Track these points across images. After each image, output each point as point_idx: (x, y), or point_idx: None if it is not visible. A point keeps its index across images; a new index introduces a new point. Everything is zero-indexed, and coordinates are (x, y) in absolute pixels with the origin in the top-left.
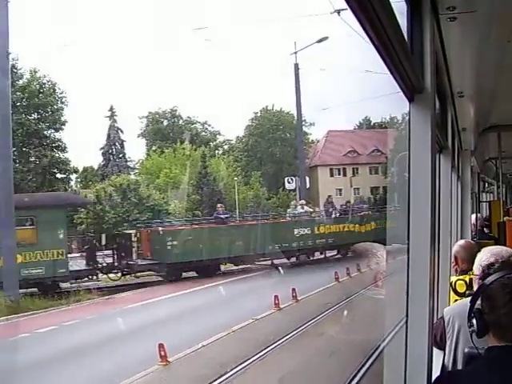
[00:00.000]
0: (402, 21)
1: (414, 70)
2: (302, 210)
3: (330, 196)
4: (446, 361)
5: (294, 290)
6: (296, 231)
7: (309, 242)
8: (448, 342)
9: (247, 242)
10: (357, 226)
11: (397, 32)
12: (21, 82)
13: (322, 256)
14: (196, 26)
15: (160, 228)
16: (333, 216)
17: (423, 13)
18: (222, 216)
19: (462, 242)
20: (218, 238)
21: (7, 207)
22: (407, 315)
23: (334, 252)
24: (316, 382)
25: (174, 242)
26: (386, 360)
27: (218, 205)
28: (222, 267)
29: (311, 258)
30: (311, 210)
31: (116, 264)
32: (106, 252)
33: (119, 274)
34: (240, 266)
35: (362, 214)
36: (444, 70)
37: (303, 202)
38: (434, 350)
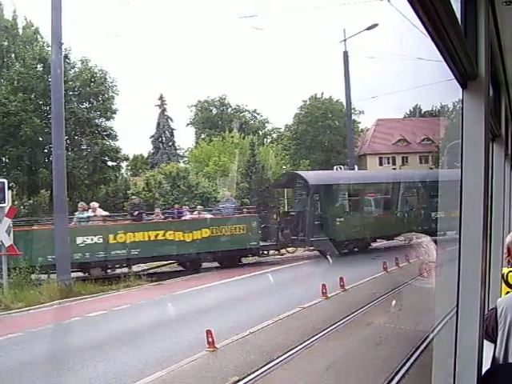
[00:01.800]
0: (456, 5)
1: (468, 55)
2: (90, 214)
3: (134, 196)
4: (496, 353)
5: (341, 278)
6: (80, 240)
7: (100, 253)
8: (499, 334)
9: None
10: (180, 233)
11: (450, 17)
12: (72, 71)
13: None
14: (244, 13)
15: None
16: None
17: None
18: None
19: None
20: None
21: (61, 194)
22: (458, 306)
23: None
24: (363, 370)
25: None
26: (435, 351)
27: None
28: None
29: (109, 272)
30: (106, 213)
31: None
32: None
33: None
34: None
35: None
36: (498, 56)
37: (95, 204)
38: (485, 342)
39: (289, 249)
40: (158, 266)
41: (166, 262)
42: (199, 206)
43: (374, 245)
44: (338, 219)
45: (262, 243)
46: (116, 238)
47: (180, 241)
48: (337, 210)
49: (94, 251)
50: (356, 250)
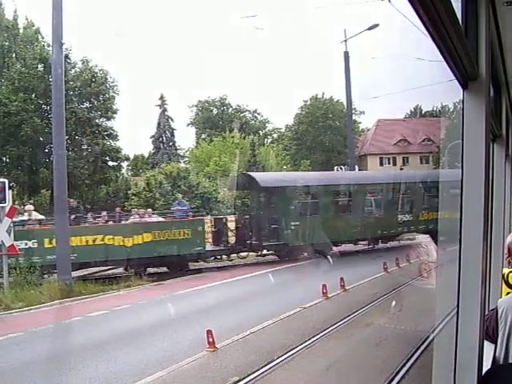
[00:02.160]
0: (457, 5)
1: (469, 56)
2: (25, 218)
3: (71, 200)
4: (497, 354)
5: (342, 279)
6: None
7: (34, 258)
8: (500, 335)
9: None
10: (120, 237)
11: (451, 17)
12: (73, 71)
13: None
14: (245, 13)
15: None
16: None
17: None
18: None
19: None
20: None
21: (62, 194)
22: (458, 306)
23: None
24: (363, 370)
25: None
26: (435, 351)
27: None
28: None
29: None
30: (42, 217)
31: None
32: None
33: None
34: None
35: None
36: (499, 57)
37: (30, 207)
38: (485, 342)
39: (241, 253)
40: (98, 272)
41: (105, 268)
42: (146, 209)
43: (336, 249)
44: (293, 223)
45: (210, 248)
46: (52, 243)
47: (120, 245)
48: (292, 214)
49: (28, 256)
50: (317, 255)
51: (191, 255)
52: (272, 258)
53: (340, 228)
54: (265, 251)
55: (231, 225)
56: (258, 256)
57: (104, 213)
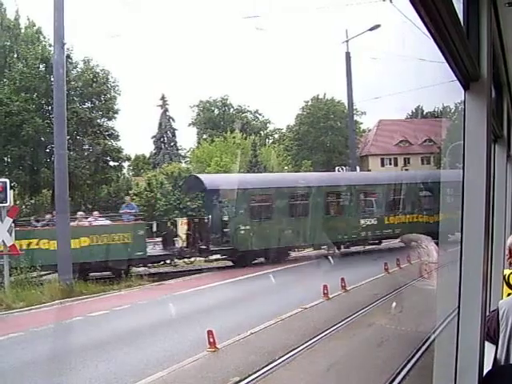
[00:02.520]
0: (458, 6)
1: (470, 56)
2: None
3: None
4: (498, 355)
5: (342, 279)
6: None
7: None
8: (501, 336)
9: None
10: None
11: (453, 18)
12: (75, 71)
13: None
14: (247, 14)
15: None
16: None
17: None
18: None
19: None
20: None
21: (63, 194)
22: (459, 307)
23: None
24: (364, 371)
25: None
26: (436, 352)
27: None
28: None
29: None
30: None
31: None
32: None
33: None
34: None
35: None
36: (501, 57)
37: None
38: (486, 343)
39: (191, 259)
40: (35, 277)
41: (43, 272)
42: (92, 212)
43: (294, 254)
44: (242, 227)
45: (153, 252)
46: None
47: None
48: (241, 217)
49: None
50: (273, 260)
51: (132, 260)
52: (223, 263)
53: (296, 233)
54: (218, 256)
55: (181, 228)
56: (206, 261)
57: (48, 216)
